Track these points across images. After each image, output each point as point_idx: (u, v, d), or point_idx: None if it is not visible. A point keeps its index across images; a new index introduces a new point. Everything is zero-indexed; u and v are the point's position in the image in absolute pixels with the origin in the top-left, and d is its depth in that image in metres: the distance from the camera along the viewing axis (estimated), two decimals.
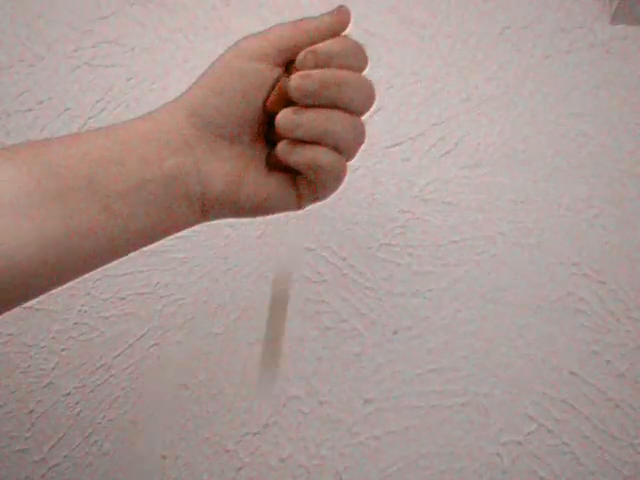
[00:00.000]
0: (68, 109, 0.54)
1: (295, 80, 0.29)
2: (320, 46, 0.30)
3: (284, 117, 0.30)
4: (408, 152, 0.51)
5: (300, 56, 0.30)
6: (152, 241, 0.32)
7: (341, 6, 0.32)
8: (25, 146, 0.29)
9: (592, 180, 0.49)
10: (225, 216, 0.34)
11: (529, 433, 0.47)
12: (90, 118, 0.54)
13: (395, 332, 0.49)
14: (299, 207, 0.35)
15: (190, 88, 0.32)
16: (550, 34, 0.52)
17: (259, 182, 0.33)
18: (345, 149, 0.32)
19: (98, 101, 0.54)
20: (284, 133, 0.31)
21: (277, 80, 0.31)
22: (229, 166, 0.32)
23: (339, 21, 0.32)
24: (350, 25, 0.33)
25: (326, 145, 0.31)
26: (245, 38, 0.31)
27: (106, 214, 0.28)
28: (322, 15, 0.32)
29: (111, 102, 0.54)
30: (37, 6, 0.56)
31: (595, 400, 0.47)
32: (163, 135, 0.31)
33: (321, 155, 0.31)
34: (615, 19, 0.51)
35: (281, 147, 0.31)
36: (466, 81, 0.52)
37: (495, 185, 0.50)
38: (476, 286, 0.49)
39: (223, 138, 0.32)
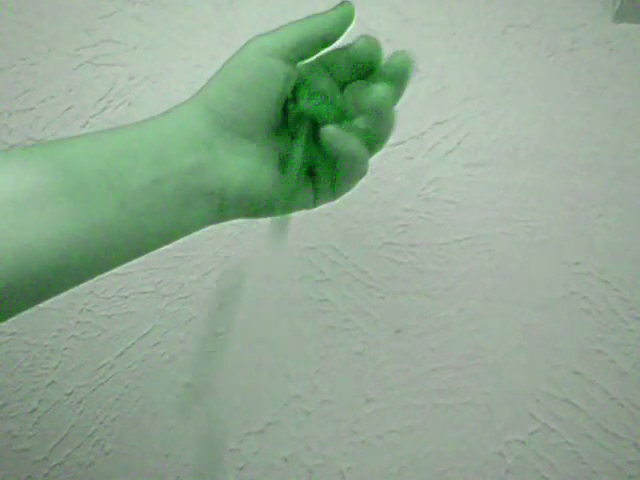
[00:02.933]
0: (70, 108, 0.54)
1: (406, 54, 0.32)
2: (366, 35, 0.32)
3: (388, 90, 0.31)
4: (411, 151, 0.51)
5: (360, 42, 0.32)
6: (168, 240, 0.31)
7: (344, 0, 0.32)
8: (38, 145, 0.29)
9: (595, 178, 0.49)
10: (241, 215, 0.34)
11: (532, 432, 0.47)
12: (92, 117, 0.54)
13: (398, 331, 0.49)
14: (313, 205, 0.35)
15: (205, 86, 0.32)
16: (553, 32, 0.52)
17: (276, 178, 0.33)
18: (378, 147, 0.34)
19: (100, 100, 0.54)
20: (381, 106, 0.32)
21: (290, 76, 0.32)
22: (247, 162, 0.32)
23: (344, 15, 0.32)
24: (354, 21, 0.33)
25: (374, 136, 0.33)
26: (256, 36, 0.32)
27: (121, 210, 0.28)
28: (328, 11, 0.32)
29: (113, 101, 0.54)
30: (39, 5, 0.56)
31: (599, 399, 0.46)
32: (180, 133, 0.30)
33: (363, 148, 0.32)
34: (618, 17, 0.51)
35: (332, 131, 0.31)
36: (469, 79, 0.52)
37: (498, 184, 0.50)
38: (479, 285, 0.49)
39: (240, 135, 0.32)
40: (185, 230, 0.32)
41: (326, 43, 0.32)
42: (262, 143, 0.33)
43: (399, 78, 0.32)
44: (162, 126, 0.31)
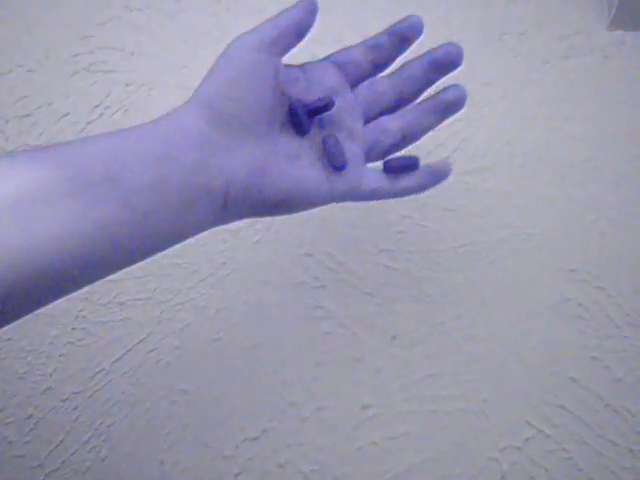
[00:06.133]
0: (67, 114, 0.54)
1: (457, 45, 0.36)
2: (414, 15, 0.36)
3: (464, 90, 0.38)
4: None
5: (413, 19, 0.36)
6: (172, 241, 0.31)
7: None
8: (43, 146, 0.29)
9: (591, 185, 0.49)
10: (247, 213, 0.34)
11: (528, 439, 0.47)
12: (88, 123, 0.54)
13: (394, 337, 0.49)
14: (331, 197, 0.35)
15: (199, 86, 0.33)
16: (548, 40, 0.52)
17: (283, 170, 0.33)
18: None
19: (96, 106, 0.54)
20: (459, 103, 0.38)
21: (277, 67, 0.33)
22: (251, 157, 0.32)
23: (310, 4, 0.34)
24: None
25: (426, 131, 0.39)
26: (238, 36, 0.33)
27: (125, 210, 0.28)
28: (295, 4, 0.34)
29: (110, 107, 0.54)
30: (36, 11, 0.56)
31: (594, 406, 0.47)
32: (181, 131, 0.31)
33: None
34: (613, 25, 0.51)
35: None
36: (465, 87, 0.52)
37: (494, 190, 0.50)
38: (475, 292, 0.49)
39: (240, 129, 0.32)
40: (189, 230, 0.32)
41: (301, 32, 0.34)
42: (265, 138, 0.33)
43: (447, 68, 0.36)
44: (163, 126, 0.31)
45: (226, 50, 0.33)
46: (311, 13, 0.34)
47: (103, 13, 0.56)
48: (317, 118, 0.35)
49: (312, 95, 0.35)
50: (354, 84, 0.37)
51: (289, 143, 0.34)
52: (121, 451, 0.49)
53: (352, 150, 0.36)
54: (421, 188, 0.37)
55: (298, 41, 0.34)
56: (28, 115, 0.54)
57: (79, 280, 0.29)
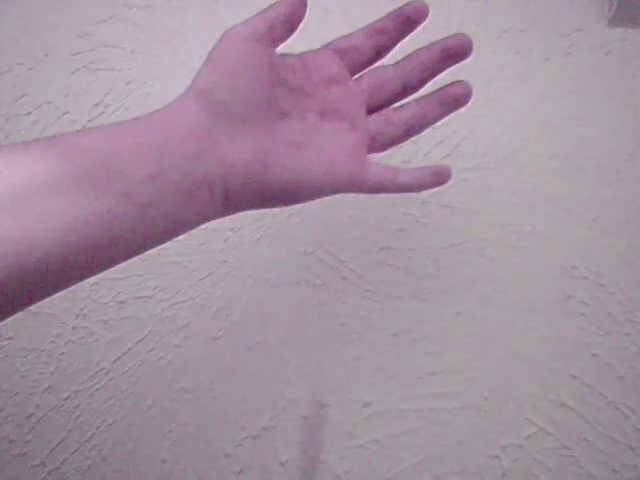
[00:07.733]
0: (67, 113, 0.54)
1: (467, 35, 0.37)
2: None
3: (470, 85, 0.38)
4: (407, 155, 0.51)
5: (416, 3, 0.36)
6: (172, 233, 0.31)
7: None
8: (40, 139, 0.29)
9: (591, 183, 0.49)
10: (249, 204, 0.33)
11: (529, 436, 0.47)
12: (89, 122, 0.54)
13: (394, 335, 0.49)
14: (333, 188, 0.35)
15: (195, 77, 0.33)
16: (549, 37, 0.52)
17: (284, 160, 0.33)
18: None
19: (97, 104, 0.54)
20: (466, 98, 0.38)
21: (272, 57, 0.33)
22: (250, 147, 0.32)
23: None
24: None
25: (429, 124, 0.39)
26: (230, 27, 0.33)
27: (125, 201, 0.28)
28: None
29: (110, 105, 0.54)
30: (36, 10, 0.56)
31: (595, 403, 0.47)
32: (179, 123, 0.31)
33: None
34: (614, 22, 0.51)
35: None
36: None
37: (494, 188, 0.50)
38: (475, 289, 0.49)
39: (238, 119, 0.32)
40: (190, 222, 0.32)
41: (292, 24, 0.33)
42: (265, 128, 0.33)
43: (457, 57, 0.36)
44: (162, 118, 0.31)
45: (220, 41, 0.33)
46: (301, 5, 0.33)
47: (103, 11, 0.56)
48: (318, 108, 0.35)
49: (311, 84, 0.35)
50: (356, 71, 0.36)
51: (290, 133, 0.34)
52: (122, 450, 0.49)
53: (354, 140, 0.36)
54: (421, 187, 0.37)
55: (290, 33, 0.34)
56: (28, 114, 0.54)
57: (79, 273, 0.28)
